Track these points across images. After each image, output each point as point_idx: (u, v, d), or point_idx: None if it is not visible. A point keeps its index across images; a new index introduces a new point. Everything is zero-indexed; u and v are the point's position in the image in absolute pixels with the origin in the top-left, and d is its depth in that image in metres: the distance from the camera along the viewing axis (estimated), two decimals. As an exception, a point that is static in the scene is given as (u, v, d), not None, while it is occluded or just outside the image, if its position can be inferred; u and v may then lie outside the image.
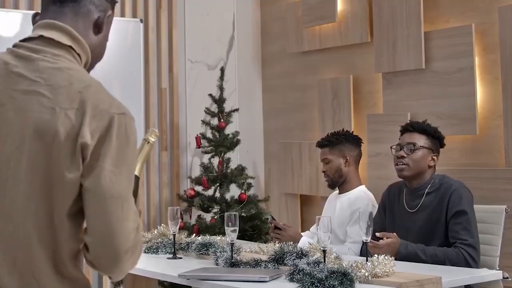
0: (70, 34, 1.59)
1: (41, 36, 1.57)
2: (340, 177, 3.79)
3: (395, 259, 3.08)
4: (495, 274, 2.94)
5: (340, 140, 3.82)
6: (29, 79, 1.51)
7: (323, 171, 3.85)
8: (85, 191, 1.46)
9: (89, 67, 1.66)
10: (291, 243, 3.06)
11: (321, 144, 3.88)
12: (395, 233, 3.16)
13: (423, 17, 4.55)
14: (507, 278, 3.05)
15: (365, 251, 2.88)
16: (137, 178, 1.70)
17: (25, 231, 1.46)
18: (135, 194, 1.64)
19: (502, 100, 4.12)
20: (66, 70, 1.53)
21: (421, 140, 3.34)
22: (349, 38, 5.12)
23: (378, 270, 2.61)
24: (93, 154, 1.46)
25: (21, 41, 1.60)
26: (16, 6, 5.07)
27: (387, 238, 3.08)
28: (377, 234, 3.09)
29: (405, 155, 3.31)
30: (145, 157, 1.81)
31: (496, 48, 4.19)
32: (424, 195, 3.27)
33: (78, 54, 1.60)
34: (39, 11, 1.69)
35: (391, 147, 3.44)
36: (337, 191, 3.92)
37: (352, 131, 4.02)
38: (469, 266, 3.03)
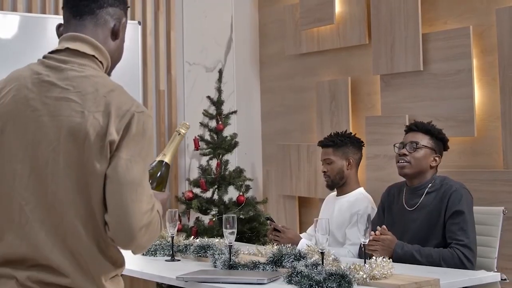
0: (93, 45, 1.81)
1: (67, 48, 1.79)
2: (341, 179, 3.79)
3: (390, 259, 3.10)
4: (493, 276, 2.94)
5: (345, 142, 3.81)
6: (60, 87, 1.73)
7: (324, 171, 3.82)
8: (106, 177, 1.69)
9: (110, 70, 1.89)
10: (290, 245, 3.06)
11: (324, 144, 3.85)
12: (390, 232, 3.18)
13: (421, 19, 4.56)
14: (505, 280, 3.05)
15: (363, 253, 2.88)
16: (168, 166, 1.99)
17: (69, 218, 1.69)
18: (166, 179, 1.98)
19: (500, 102, 4.13)
20: (91, 78, 1.75)
21: (424, 139, 3.35)
22: (347, 40, 5.13)
23: (376, 272, 2.61)
24: (116, 147, 1.69)
25: (49, 52, 1.81)
26: (14, 9, 5.07)
27: (383, 233, 3.10)
28: (378, 227, 3.10)
29: (407, 153, 3.32)
30: (176, 146, 2.07)
31: (494, 50, 4.20)
32: (424, 194, 3.28)
33: (100, 62, 1.82)
34: (62, 23, 1.90)
35: (394, 145, 3.44)
36: (335, 193, 3.91)
37: (355, 134, 4.02)
38: (464, 267, 3.03)
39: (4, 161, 1.74)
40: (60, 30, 1.89)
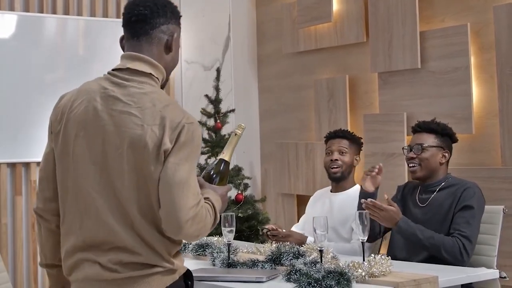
0: (150, 63, 2.09)
1: (128, 68, 2.08)
2: (349, 173, 3.80)
3: (385, 230, 3.09)
4: (492, 273, 2.94)
5: (359, 142, 3.85)
6: (123, 102, 2.03)
7: (335, 159, 3.77)
8: (159, 178, 1.97)
9: (167, 76, 2.16)
10: (288, 243, 3.06)
11: (340, 135, 3.83)
12: (397, 206, 3.19)
13: (419, 16, 4.56)
14: (504, 277, 3.05)
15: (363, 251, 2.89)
16: (227, 163, 2.29)
17: (133, 212, 1.99)
18: (226, 175, 2.28)
19: (498, 99, 4.13)
20: (150, 94, 2.04)
21: (429, 139, 3.36)
22: (345, 38, 5.13)
23: (375, 269, 2.61)
24: (168, 153, 1.98)
25: (113, 70, 2.12)
26: (11, 8, 5.06)
27: (389, 204, 3.11)
28: (385, 196, 3.12)
29: (414, 156, 3.35)
30: (233, 146, 2.35)
31: (491, 47, 4.20)
32: (436, 191, 3.30)
33: (157, 77, 2.10)
34: (123, 34, 2.18)
35: (403, 148, 3.48)
36: (328, 188, 3.90)
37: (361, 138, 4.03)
38: (461, 257, 3.04)
39: (79, 161, 2.05)
40: (123, 42, 2.17)
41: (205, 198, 2.07)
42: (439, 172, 3.35)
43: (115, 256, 2.00)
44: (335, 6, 5.20)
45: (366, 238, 2.80)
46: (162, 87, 2.16)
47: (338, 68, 5.26)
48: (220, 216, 2.41)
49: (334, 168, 3.76)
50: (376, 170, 3.35)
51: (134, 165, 1.99)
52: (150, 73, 2.09)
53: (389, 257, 2.73)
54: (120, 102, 2.03)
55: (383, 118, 4.80)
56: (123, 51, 2.17)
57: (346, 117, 5.08)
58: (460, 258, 3.05)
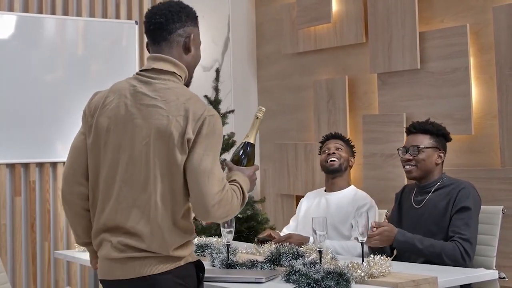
0: (172, 63, 2.32)
1: (153, 68, 2.32)
2: (345, 168, 3.81)
3: (392, 247, 3.09)
4: (491, 274, 2.94)
5: (351, 146, 3.89)
6: (150, 97, 2.26)
7: (333, 152, 3.79)
8: (185, 168, 2.19)
9: (190, 75, 2.40)
10: (288, 244, 3.06)
11: (336, 136, 3.88)
12: (388, 223, 3.21)
13: (418, 17, 4.56)
14: (503, 278, 3.05)
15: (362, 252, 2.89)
16: (252, 145, 2.48)
17: (154, 198, 2.19)
18: (252, 156, 2.47)
19: (497, 100, 4.13)
20: (173, 89, 2.28)
21: (425, 140, 3.35)
22: (344, 39, 5.13)
23: (374, 270, 2.61)
24: (192, 144, 2.19)
25: (140, 70, 2.35)
26: (11, 9, 5.06)
27: (379, 227, 3.10)
28: (371, 222, 3.11)
29: (410, 157, 3.34)
30: (256, 128, 2.52)
31: (491, 48, 4.20)
32: (432, 192, 3.30)
33: (179, 75, 2.33)
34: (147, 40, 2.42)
35: (397, 150, 3.46)
36: (322, 189, 3.90)
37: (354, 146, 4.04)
38: (463, 261, 3.04)
39: (110, 151, 2.26)
40: (148, 47, 2.40)
41: (232, 180, 2.31)
42: (434, 173, 3.34)
43: (124, 239, 2.21)
44: (335, 6, 5.20)
45: (365, 239, 2.80)
46: (187, 84, 2.41)
47: (337, 69, 5.26)
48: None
49: (332, 160, 3.77)
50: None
51: (160, 153, 2.19)
52: (173, 72, 2.32)
53: (389, 257, 2.73)
54: (147, 97, 2.26)
55: (382, 118, 4.80)
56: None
57: (346, 117, 5.09)
58: (462, 262, 3.05)
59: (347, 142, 3.89)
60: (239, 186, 2.30)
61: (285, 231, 3.85)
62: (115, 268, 2.24)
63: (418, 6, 4.56)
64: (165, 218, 2.20)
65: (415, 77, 4.62)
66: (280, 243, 3.16)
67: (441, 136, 3.38)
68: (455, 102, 4.36)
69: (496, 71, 4.13)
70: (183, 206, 2.24)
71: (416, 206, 3.34)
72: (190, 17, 2.40)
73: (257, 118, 2.54)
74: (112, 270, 2.25)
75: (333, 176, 3.80)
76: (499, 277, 3.00)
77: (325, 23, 5.24)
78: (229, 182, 2.30)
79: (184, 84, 2.37)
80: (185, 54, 2.37)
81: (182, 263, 2.25)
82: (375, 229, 3.10)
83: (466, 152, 4.33)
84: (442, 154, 3.37)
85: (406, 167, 3.37)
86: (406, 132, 3.49)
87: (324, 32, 5.30)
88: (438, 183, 3.31)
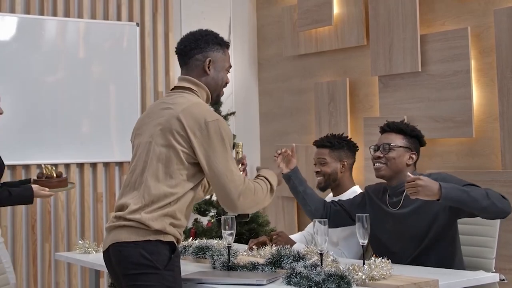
0: (191, 81, 2.73)
1: (175, 86, 2.77)
2: (334, 181, 3.75)
3: (439, 200, 2.88)
4: (492, 277, 2.94)
5: (342, 145, 3.78)
6: (166, 103, 2.67)
7: (317, 171, 3.77)
8: (205, 171, 2.54)
9: (213, 96, 2.77)
10: (288, 246, 3.05)
11: (320, 144, 3.81)
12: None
13: (419, 20, 4.57)
14: (503, 280, 3.05)
15: (361, 255, 2.88)
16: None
17: (150, 179, 2.54)
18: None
19: (498, 103, 4.13)
20: (185, 97, 2.68)
21: (397, 140, 3.31)
22: (345, 41, 5.13)
23: (375, 273, 2.60)
24: (202, 147, 2.53)
25: (171, 89, 2.77)
26: (12, 10, 5.07)
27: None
28: (408, 173, 2.97)
29: (381, 155, 3.30)
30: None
31: (492, 51, 4.20)
32: (405, 192, 3.19)
33: (196, 91, 2.71)
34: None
35: (369, 148, 3.42)
36: (331, 194, 3.89)
37: (351, 138, 3.99)
38: (504, 198, 2.92)
39: (136, 154, 2.68)
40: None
41: (258, 175, 2.69)
42: (404, 173, 3.26)
43: (123, 213, 2.54)
44: (336, 9, 5.21)
45: (366, 241, 2.79)
46: (215, 102, 2.94)
47: (338, 71, 5.27)
48: (220, 219, 2.59)
49: (317, 178, 3.75)
50: (290, 152, 3.39)
51: (162, 142, 2.55)
52: (190, 87, 2.71)
53: (390, 260, 2.73)
54: (164, 104, 2.68)
55: (383, 121, 4.73)
56: None
57: (347, 120, 5.09)
58: (506, 199, 2.93)
59: (332, 147, 3.76)
60: (264, 178, 2.65)
61: (308, 231, 3.85)
62: (105, 238, 2.62)
63: (419, 8, 4.56)
64: (159, 194, 2.51)
65: (416, 80, 4.62)
66: (272, 239, 3.16)
67: (414, 137, 3.33)
68: (456, 105, 4.36)
69: (497, 73, 4.13)
70: (168, 189, 2.53)
71: (393, 209, 3.27)
72: (210, 43, 2.74)
73: (239, 153, 2.96)
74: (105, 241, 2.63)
75: (321, 191, 3.79)
76: (499, 279, 3.00)
77: (326, 25, 5.24)
78: (255, 177, 2.67)
79: (209, 102, 2.76)
80: (204, 75, 2.73)
81: (151, 238, 2.48)
82: (413, 177, 2.92)
83: (467, 155, 4.33)
84: (414, 156, 3.30)
85: (375, 164, 3.31)
86: (380, 131, 3.45)
87: (325, 34, 5.30)
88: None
